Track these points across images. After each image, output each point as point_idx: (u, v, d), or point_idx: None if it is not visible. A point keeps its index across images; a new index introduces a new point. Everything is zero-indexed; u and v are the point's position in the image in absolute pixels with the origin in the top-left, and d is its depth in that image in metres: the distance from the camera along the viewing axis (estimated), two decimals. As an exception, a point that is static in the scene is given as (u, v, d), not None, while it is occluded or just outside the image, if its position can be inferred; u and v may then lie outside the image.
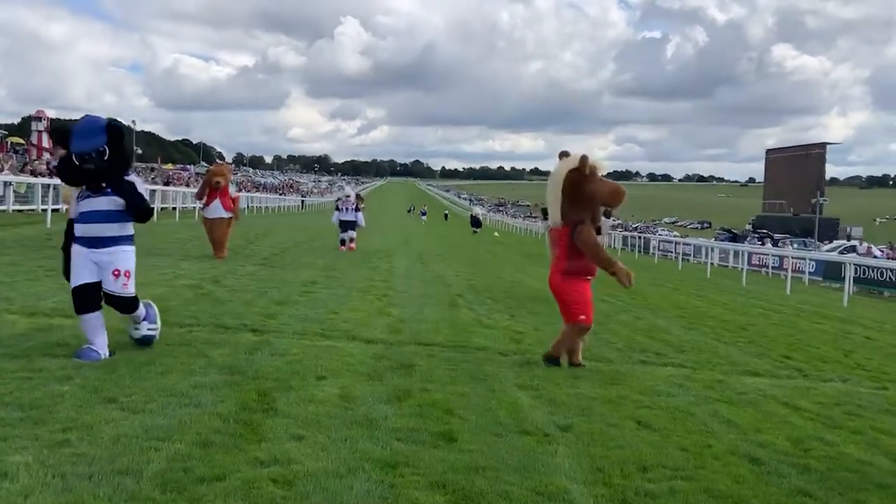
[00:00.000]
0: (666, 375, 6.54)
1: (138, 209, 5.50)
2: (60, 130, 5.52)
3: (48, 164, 33.59)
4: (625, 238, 43.84)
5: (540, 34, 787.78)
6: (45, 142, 52.74)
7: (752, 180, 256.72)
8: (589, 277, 6.42)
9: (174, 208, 30.34)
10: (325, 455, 3.69)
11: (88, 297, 5.36)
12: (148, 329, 5.75)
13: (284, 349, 6.11)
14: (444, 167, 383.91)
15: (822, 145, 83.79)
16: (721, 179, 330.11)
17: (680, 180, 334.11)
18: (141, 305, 5.68)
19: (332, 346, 6.43)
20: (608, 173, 6.76)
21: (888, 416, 5.74)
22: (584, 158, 6.18)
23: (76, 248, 5.40)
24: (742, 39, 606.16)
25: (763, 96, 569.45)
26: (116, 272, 5.37)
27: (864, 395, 6.54)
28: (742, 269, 24.84)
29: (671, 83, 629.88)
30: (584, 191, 6.18)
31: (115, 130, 5.38)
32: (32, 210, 22.47)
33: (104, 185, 5.37)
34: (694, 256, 35.56)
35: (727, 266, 32.12)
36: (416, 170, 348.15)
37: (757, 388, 6.32)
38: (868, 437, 5.03)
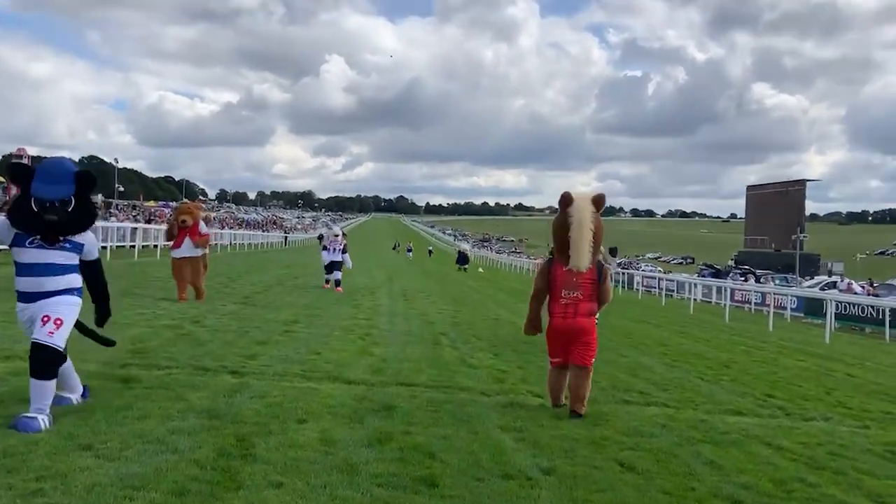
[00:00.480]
0: (649, 415, 6.52)
1: (97, 282, 5.14)
2: (21, 167, 4.91)
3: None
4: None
5: (523, 71, 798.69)
6: (27, 179, 52.06)
7: (733, 216, 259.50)
8: None
9: (155, 246, 30.15)
10: (304, 503, 3.64)
11: None
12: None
13: (264, 391, 6.04)
14: (428, 203, 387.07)
15: (802, 182, 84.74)
16: (703, 215, 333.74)
17: (663, 216, 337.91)
18: (73, 371, 5.07)
19: (312, 388, 6.37)
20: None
21: (870, 456, 5.75)
22: (604, 197, 6.27)
23: (20, 310, 4.84)
24: (722, 78, 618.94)
25: (743, 134, 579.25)
26: (46, 318, 4.68)
27: (846, 434, 6.55)
28: (725, 305, 24.96)
29: (653, 121, 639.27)
30: (601, 231, 6.24)
31: (84, 180, 4.82)
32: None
33: (62, 239, 4.81)
34: (677, 292, 35.72)
35: (710, 302, 32.29)
36: (401, 205, 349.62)
37: (740, 428, 6.32)
38: (850, 478, 5.03)
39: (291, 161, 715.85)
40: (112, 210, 53.51)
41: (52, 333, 4.65)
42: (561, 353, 6.35)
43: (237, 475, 3.95)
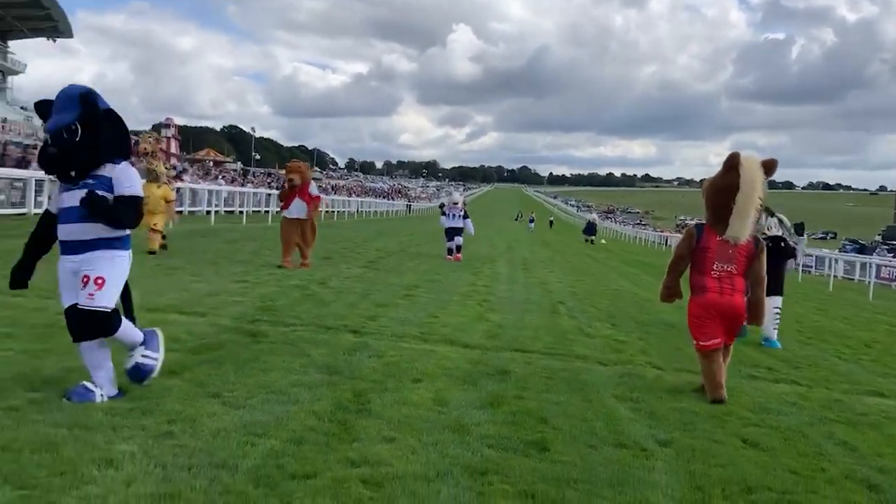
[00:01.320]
0: (777, 392, 6.19)
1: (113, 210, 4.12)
2: (43, 104, 4.20)
3: (174, 167, 35.58)
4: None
5: (654, 36, 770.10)
6: (174, 147, 55.85)
7: (882, 188, 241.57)
8: None
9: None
10: (415, 458, 3.69)
11: None
12: (142, 356, 4.38)
13: (382, 351, 6.17)
14: (551, 173, 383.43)
15: (964, 151, 77.77)
16: (848, 188, 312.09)
17: (803, 188, 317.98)
18: (131, 329, 4.34)
19: (429, 350, 6.45)
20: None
21: None
22: (776, 163, 5.69)
23: (60, 261, 4.21)
24: (874, 40, 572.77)
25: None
26: (86, 278, 4.05)
27: None
28: (869, 282, 23.34)
29: (795, 86, 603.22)
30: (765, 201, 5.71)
31: (90, 101, 4.04)
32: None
33: (72, 174, 4.10)
34: (816, 268, 33.70)
35: (853, 279, 30.25)
36: (524, 176, 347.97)
37: (880, 410, 5.89)
38: None
39: (417, 131, 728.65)
40: (249, 177, 56.26)
41: (93, 296, 4.05)
42: (719, 332, 5.70)
43: (352, 428, 4.06)
